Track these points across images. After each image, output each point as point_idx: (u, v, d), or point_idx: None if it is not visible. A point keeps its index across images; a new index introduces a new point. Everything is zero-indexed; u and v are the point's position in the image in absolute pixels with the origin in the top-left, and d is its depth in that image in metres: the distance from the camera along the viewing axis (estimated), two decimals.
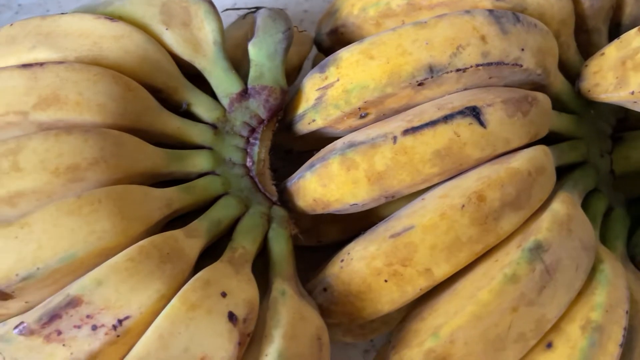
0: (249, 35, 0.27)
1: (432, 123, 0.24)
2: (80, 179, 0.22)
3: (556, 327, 0.24)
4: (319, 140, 0.29)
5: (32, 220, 0.21)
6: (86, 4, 0.28)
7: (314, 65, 0.35)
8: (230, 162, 0.26)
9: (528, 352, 0.24)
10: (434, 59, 0.24)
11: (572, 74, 0.29)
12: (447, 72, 0.24)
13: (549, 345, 0.24)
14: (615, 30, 0.31)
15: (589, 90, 0.28)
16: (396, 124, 0.24)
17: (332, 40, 0.30)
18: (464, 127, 0.24)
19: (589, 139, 0.29)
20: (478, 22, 0.25)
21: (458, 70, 0.24)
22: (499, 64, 0.25)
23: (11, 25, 0.27)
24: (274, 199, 0.26)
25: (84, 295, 0.20)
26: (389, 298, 0.24)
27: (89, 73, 0.23)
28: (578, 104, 0.29)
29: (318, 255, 0.29)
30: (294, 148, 0.32)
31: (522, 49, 0.25)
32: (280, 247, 0.25)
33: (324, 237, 0.31)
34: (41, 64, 0.23)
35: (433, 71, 0.24)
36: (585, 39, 0.30)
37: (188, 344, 0.20)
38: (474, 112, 0.24)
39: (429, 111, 0.24)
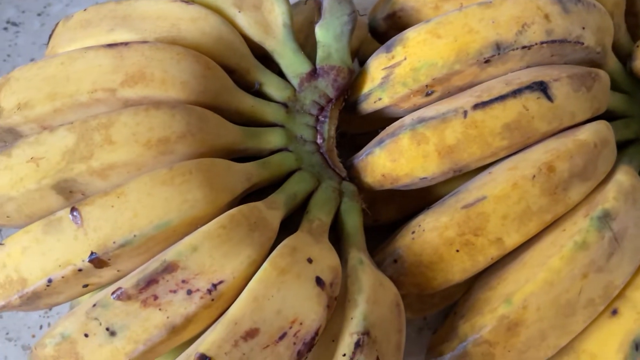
0: (315, 19, 0.28)
1: (502, 97, 0.24)
2: (169, 151, 0.23)
3: (620, 295, 0.25)
4: (378, 121, 0.30)
5: (128, 190, 0.22)
6: None
7: (358, 55, 0.35)
8: (302, 139, 0.26)
9: (594, 320, 0.25)
10: (500, 37, 0.25)
11: (623, 55, 0.30)
12: (513, 50, 0.25)
13: (615, 312, 0.25)
14: None
15: None
16: (465, 100, 0.25)
17: (388, 24, 0.31)
18: (533, 101, 0.24)
19: (639, 117, 0.30)
20: (541, 2, 0.25)
21: (524, 47, 0.25)
22: (562, 41, 0.25)
23: (85, 10, 0.28)
24: (343, 174, 0.27)
25: (180, 261, 0.21)
26: (460, 267, 0.25)
27: (172, 52, 0.24)
28: (629, 84, 0.30)
29: (370, 235, 0.30)
30: (347, 131, 0.32)
31: (583, 28, 0.26)
32: (354, 220, 0.26)
33: (380, 216, 0.31)
34: (125, 44, 0.24)
35: (500, 48, 0.25)
36: (633, 22, 0.31)
37: (280, 307, 0.21)
38: (542, 87, 0.25)
39: (497, 87, 0.25)
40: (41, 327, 0.32)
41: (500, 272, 0.26)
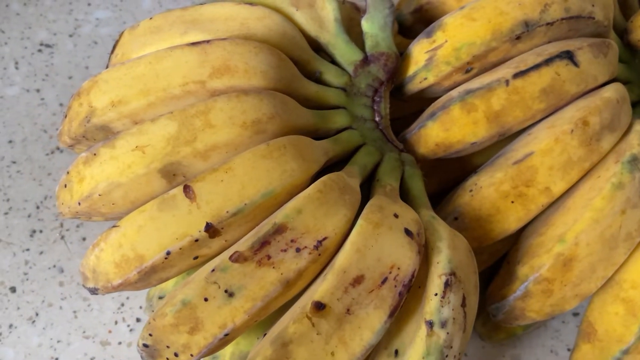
0: (353, 15, 0.32)
1: (537, 66, 0.28)
2: (262, 131, 0.25)
3: None
4: (416, 103, 0.33)
5: (234, 165, 0.24)
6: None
7: None
8: (362, 119, 0.30)
9: (630, 254, 0.29)
10: (527, 16, 0.29)
11: (618, 30, 0.35)
12: (540, 26, 0.29)
13: None
14: None
15: (639, 40, 0.33)
16: (504, 71, 0.29)
17: (414, 17, 0.35)
18: (562, 68, 0.28)
19: (637, 83, 0.35)
20: None
21: (547, 24, 0.29)
22: (578, 17, 0.30)
23: (151, 18, 0.30)
24: (401, 147, 0.30)
25: (288, 223, 0.24)
26: (515, 217, 0.28)
27: (250, 45, 0.27)
28: (626, 55, 0.35)
29: None
30: None
31: (593, 5, 0.30)
32: (418, 184, 0.29)
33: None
34: (207, 41, 0.27)
35: (528, 25, 0.29)
36: (623, 2, 0.36)
37: (380, 255, 0.24)
38: (569, 55, 0.29)
39: (530, 58, 0.29)
40: (116, 322, 0.34)
41: (546, 220, 0.29)
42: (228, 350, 0.29)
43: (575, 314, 0.36)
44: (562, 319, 0.36)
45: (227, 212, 0.24)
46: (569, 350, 0.35)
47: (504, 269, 0.30)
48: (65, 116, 0.29)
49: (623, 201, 0.27)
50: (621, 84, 0.30)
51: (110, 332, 0.33)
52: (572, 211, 0.28)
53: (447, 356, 0.24)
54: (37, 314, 0.33)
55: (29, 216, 0.36)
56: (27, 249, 0.35)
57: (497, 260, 0.33)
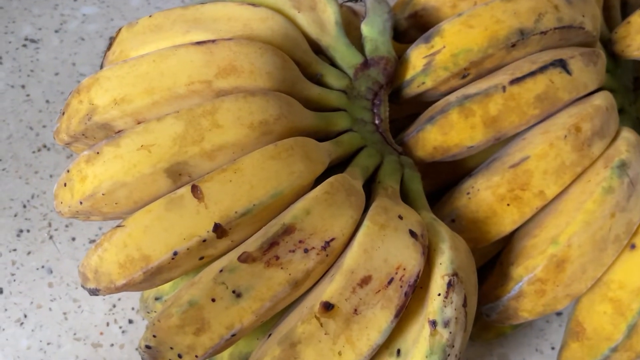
0: (351, 19, 0.32)
1: (532, 73, 0.29)
2: (269, 132, 0.25)
3: (636, 232, 0.30)
4: (412, 105, 0.34)
5: (243, 166, 0.24)
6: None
7: None
8: (362, 121, 0.30)
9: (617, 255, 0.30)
10: (522, 25, 0.30)
11: (602, 40, 0.36)
12: (534, 35, 0.30)
13: (633, 247, 0.30)
14: (624, 7, 0.39)
15: (623, 51, 0.35)
16: (501, 77, 0.30)
17: (409, 23, 0.35)
18: (556, 75, 0.29)
19: (620, 92, 0.36)
20: None
21: (541, 32, 0.30)
22: (569, 27, 0.31)
23: (150, 16, 0.30)
24: (399, 150, 0.30)
25: (297, 224, 0.24)
26: (510, 219, 0.29)
27: (255, 46, 0.27)
28: (610, 64, 0.36)
29: None
30: None
31: (583, 16, 0.31)
32: (417, 186, 0.29)
33: None
34: (213, 41, 0.27)
35: (523, 34, 0.30)
36: (606, 15, 0.38)
37: (386, 256, 0.24)
38: (562, 63, 0.30)
39: (525, 65, 0.30)
40: (108, 324, 0.33)
41: (539, 223, 0.30)
42: (227, 351, 0.29)
43: (559, 314, 0.37)
44: (546, 319, 0.37)
45: (236, 212, 0.24)
46: (553, 348, 0.36)
47: (497, 270, 0.31)
48: (63, 113, 0.28)
49: (613, 205, 0.29)
50: (609, 92, 0.31)
51: (102, 333, 0.33)
52: (565, 214, 0.29)
53: (449, 355, 0.25)
54: (25, 316, 0.32)
55: (16, 215, 0.35)
56: (14, 249, 0.34)
57: (486, 262, 0.34)
